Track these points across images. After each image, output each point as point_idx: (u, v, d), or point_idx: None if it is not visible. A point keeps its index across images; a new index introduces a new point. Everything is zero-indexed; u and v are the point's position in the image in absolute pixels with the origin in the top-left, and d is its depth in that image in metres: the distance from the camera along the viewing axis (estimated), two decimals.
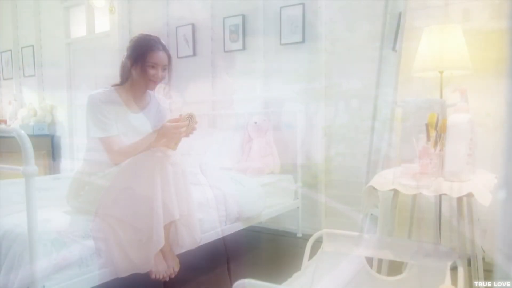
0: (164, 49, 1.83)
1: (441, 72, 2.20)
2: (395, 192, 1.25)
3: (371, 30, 2.64)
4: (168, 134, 1.71)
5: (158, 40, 1.83)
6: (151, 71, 1.79)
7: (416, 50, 2.27)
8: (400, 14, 2.22)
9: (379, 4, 2.58)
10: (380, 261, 1.62)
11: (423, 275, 1.14)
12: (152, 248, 1.59)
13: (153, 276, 1.65)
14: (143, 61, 1.78)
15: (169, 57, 1.86)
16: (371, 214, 2.44)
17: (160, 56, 1.80)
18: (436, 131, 1.44)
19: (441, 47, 2.11)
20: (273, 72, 3.11)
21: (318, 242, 1.24)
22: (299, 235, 2.90)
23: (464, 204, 1.43)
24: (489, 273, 1.87)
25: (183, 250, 1.85)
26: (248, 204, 2.29)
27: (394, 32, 2.38)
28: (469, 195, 1.13)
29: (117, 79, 1.89)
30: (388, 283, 1.20)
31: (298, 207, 2.89)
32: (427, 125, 1.47)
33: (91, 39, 4.24)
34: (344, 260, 1.25)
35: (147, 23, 3.76)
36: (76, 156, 4.47)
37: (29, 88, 4.83)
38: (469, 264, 1.63)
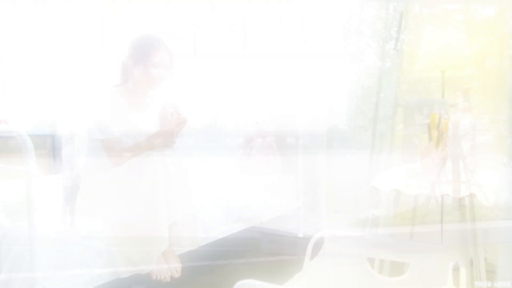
0: (166, 48, 1.82)
1: (443, 72, 2.19)
2: (397, 192, 1.24)
3: (372, 30, 2.63)
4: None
5: (160, 39, 1.82)
6: (154, 71, 1.77)
7: (417, 50, 2.26)
8: (401, 14, 2.22)
9: (380, 4, 2.57)
10: (382, 261, 1.61)
11: (425, 276, 1.13)
12: (156, 249, 1.59)
13: (154, 276, 1.64)
14: (146, 61, 1.76)
15: (171, 56, 1.85)
16: (373, 214, 2.43)
17: (163, 55, 1.79)
18: (438, 131, 1.44)
19: (443, 47, 2.10)
20: (274, 72, 3.10)
21: (320, 243, 1.24)
22: (300, 235, 2.89)
23: (466, 204, 1.42)
24: (491, 274, 1.86)
25: (184, 250, 1.84)
26: (248, 204, 2.29)
27: (395, 32, 2.37)
28: (471, 195, 1.12)
29: (117, 79, 1.88)
30: (390, 283, 1.19)
31: (299, 207, 2.89)
32: (429, 125, 1.46)
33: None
34: (345, 261, 1.24)
35: (147, 23, 3.75)
36: (76, 156, 4.46)
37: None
38: (471, 264, 1.63)
